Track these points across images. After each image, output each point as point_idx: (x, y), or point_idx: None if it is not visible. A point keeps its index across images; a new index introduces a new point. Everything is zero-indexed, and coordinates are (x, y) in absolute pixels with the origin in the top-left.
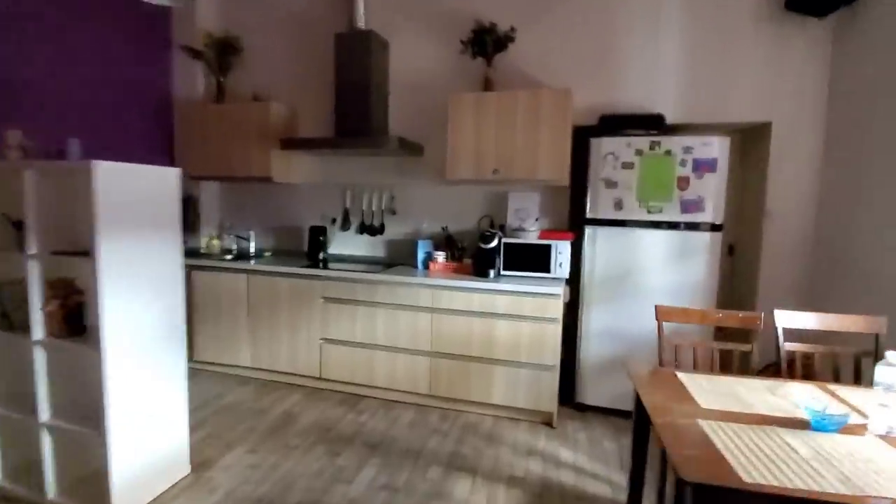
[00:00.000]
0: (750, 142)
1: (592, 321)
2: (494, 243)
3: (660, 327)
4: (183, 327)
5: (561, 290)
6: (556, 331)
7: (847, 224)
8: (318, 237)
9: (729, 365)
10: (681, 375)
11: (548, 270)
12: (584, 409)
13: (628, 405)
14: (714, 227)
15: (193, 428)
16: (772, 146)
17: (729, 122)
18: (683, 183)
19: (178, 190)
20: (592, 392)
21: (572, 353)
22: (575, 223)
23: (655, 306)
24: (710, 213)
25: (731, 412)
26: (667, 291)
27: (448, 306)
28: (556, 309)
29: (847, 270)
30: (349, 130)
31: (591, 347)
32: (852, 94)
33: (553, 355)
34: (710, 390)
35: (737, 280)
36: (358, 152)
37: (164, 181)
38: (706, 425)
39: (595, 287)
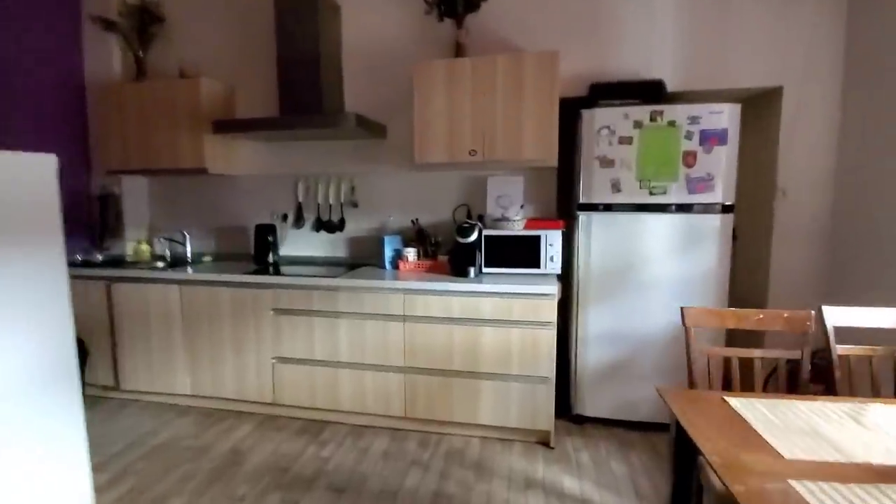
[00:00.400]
0: (755, 111)
1: (589, 322)
2: (474, 236)
3: (689, 336)
4: (74, 361)
5: (555, 289)
6: (550, 337)
7: (870, 202)
8: (266, 237)
9: (771, 378)
10: (733, 402)
11: (537, 266)
12: (583, 421)
13: (631, 415)
14: (725, 209)
15: (113, 481)
16: (783, 115)
17: (735, 89)
18: (690, 158)
19: (55, 184)
20: (591, 402)
21: (565, 359)
22: (564, 210)
23: (682, 309)
24: (721, 192)
25: (825, 463)
26: (673, 285)
27: (423, 313)
28: (551, 311)
29: (870, 255)
30: (296, 108)
31: (589, 352)
32: (872, 51)
33: (548, 365)
34: (780, 425)
35: (740, 269)
36: (309, 134)
37: (33, 173)
38: (805, 490)
39: (591, 283)
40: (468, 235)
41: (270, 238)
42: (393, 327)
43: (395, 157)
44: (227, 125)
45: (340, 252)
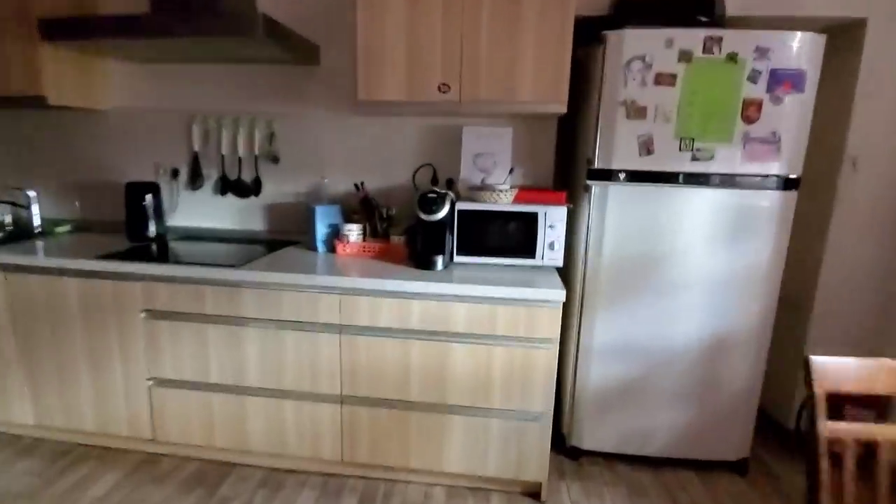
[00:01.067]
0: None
1: (595, 329)
2: (443, 212)
3: (817, 408)
4: None
5: (561, 294)
6: (549, 359)
7: None
8: (143, 201)
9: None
10: None
11: (531, 255)
12: (579, 455)
13: (640, 449)
14: (789, 184)
15: None
16: (863, 58)
17: (806, 17)
18: (753, 110)
19: None
20: (591, 432)
21: (560, 377)
22: (566, 177)
23: (808, 360)
24: (786, 160)
25: None
26: (708, 285)
27: (369, 322)
28: (552, 323)
29: None
30: (175, 4)
31: (592, 368)
32: None
33: (544, 397)
34: None
35: None
36: (203, 50)
37: None
38: None
39: (601, 278)
40: (435, 211)
41: (145, 203)
42: (325, 341)
43: (332, 92)
44: (60, 28)
45: (256, 224)
